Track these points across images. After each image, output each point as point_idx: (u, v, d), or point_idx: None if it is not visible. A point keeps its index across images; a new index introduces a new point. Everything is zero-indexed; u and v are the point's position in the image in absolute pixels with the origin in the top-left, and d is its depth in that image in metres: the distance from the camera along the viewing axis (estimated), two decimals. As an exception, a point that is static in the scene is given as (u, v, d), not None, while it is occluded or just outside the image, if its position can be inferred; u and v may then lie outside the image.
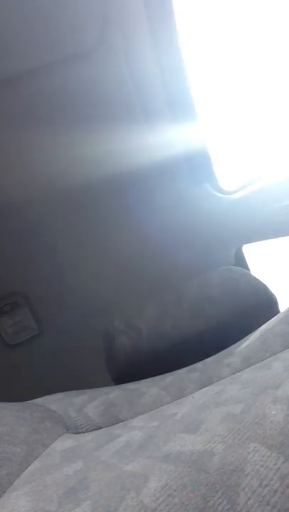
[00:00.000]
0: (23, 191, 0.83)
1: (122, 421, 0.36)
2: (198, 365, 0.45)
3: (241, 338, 0.48)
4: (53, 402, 0.40)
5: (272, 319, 0.48)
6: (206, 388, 0.36)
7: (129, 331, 0.58)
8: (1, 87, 0.68)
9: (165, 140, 0.81)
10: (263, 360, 0.39)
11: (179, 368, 0.47)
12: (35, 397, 0.42)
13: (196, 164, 0.86)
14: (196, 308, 0.60)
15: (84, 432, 0.35)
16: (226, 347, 0.48)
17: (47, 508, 0.21)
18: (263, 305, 0.59)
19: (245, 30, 0.78)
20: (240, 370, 0.39)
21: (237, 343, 0.47)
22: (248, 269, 0.99)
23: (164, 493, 0.19)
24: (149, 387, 0.41)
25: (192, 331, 0.57)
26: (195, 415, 0.27)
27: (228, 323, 0.58)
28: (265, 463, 0.19)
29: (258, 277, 0.63)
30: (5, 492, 0.24)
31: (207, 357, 0.47)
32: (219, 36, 0.80)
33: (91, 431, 0.35)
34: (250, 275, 0.63)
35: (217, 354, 0.47)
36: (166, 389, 0.40)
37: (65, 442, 0.31)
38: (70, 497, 0.21)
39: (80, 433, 0.34)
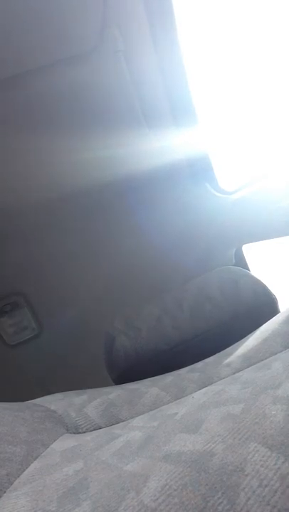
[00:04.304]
0: (24, 193, 0.83)
1: (122, 421, 0.36)
2: (198, 365, 0.45)
3: (241, 338, 0.48)
4: (53, 402, 0.40)
5: (272, 319, 0.48)
6: (206, 388, 0.36)
7: (129, 331, 0.58)
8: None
9: (165, 140, 0.81)
10: (262, 360, 0.39)
11: (179, 368, 0.47)
12: (35, 397, 0.42)
13: (197, 165, 0.86)
14: (196, 308, 0.60)
15: (84, 432, 0.35)
16: (226, 347, 0.48)
17: (47, 508, 0.21)
18: (263, 305, 0.59)
19: (246, 31, 0.78)
20: (240, 370, 0.39)
21: (237, 343, 0.47)
22: (248, 269, 0.99)
23: (164, 493, 0.19)
24: (149, 387, 0.41)
25: (192, 331, 0.57)
26: (195, 415, 0.27)
27: (228, 324, 0.58)
28: (265, 463, 0.19)
29: (258, 277, 0.63)
30: (5, 492, 0.24)
31: (207, 357, 0.47)
32: (219, 37, 0.80)
33: (91, 431, 0.35)
34: (250, 275, 0.63)
35: (217, 354, 0.47)
36: (166, 389, 0.40)
37: (65, 442, 0.31)
38: (70, 497, 0.21)
39: (80, 433, 0.34)
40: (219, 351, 0.47)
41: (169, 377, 0.43)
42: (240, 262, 0.99)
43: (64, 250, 0.95)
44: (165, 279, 0.97)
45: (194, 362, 0.47)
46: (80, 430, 0.35)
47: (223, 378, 0.38)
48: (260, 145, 0.89)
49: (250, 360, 0.40)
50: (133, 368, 0.56)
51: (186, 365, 0.47)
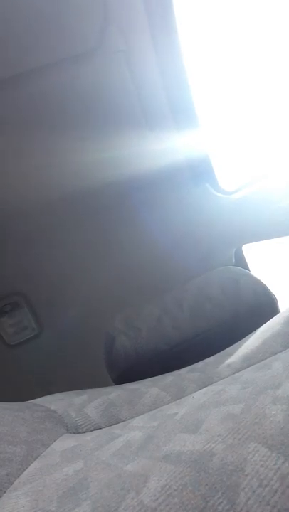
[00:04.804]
0: (25, 193, 0.83)
1: (122, 421, 0.36)
2: (199, 365, 0.45)
3: (241, 338, 0.48)
4: (53, 402, 0.40)
5: (272, 319, 0.48)
6: (206, 388, 0.36)
7: (129, 331, 0.58)
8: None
9: (166, 142, 0.81)
10: (263, 360, 0.39)
11: (179, 368, 0.47)
12: (36, 397, 0.42)
13: (197, 166, 0.86)
14: (196, 308, 0.60)
15: (84, 432, 0.35)
16: (226, 347, 0.48)
17: (47, 508, 0.21)
18: (263, 305, 0.59)
19: (246, 31, 0.78)
20: (240, 370, 0.39)
21: (237, 343, 0.47)
22: (248, 269, 0.99)
23: (164, 493, 0.19)
24: (149, 387, 0.41)
25: (192, 331, 0.57)
26: (195, 415, 0.27)
27: (228, 323, 0.58)
28: (265, 463, 0.19)
29: (258, 277, 0.63)
30: (5, 492, 0.24)
31: (207, 357, 0.47)
32: (220, 38, 0.80)
33: (91, 431, 0.35)
34: (250, 275, 0.63)
35: (217, 354, 0.47)
36: (166, 389, 0.40)
37: (65, 442, 0.31)
38: (70, 497, 0.21)
39: (80, 433, 0.34)
40: (219, 351, 0.47)
41: (169, 377, 0.43)
42: (240, 262, 0.99)
43: (64, 250, 0.94)
44: (166, 279, 0.97)
45: (194, 362, 0.47)
46: (80, 430, 0.35)
47: (223, 378, 0.38)
48: (260, 145, 0.89)
49: (251, 360, 0.40)
50: (133, 368, 0.56)
51: (187, 365, 0.47)
